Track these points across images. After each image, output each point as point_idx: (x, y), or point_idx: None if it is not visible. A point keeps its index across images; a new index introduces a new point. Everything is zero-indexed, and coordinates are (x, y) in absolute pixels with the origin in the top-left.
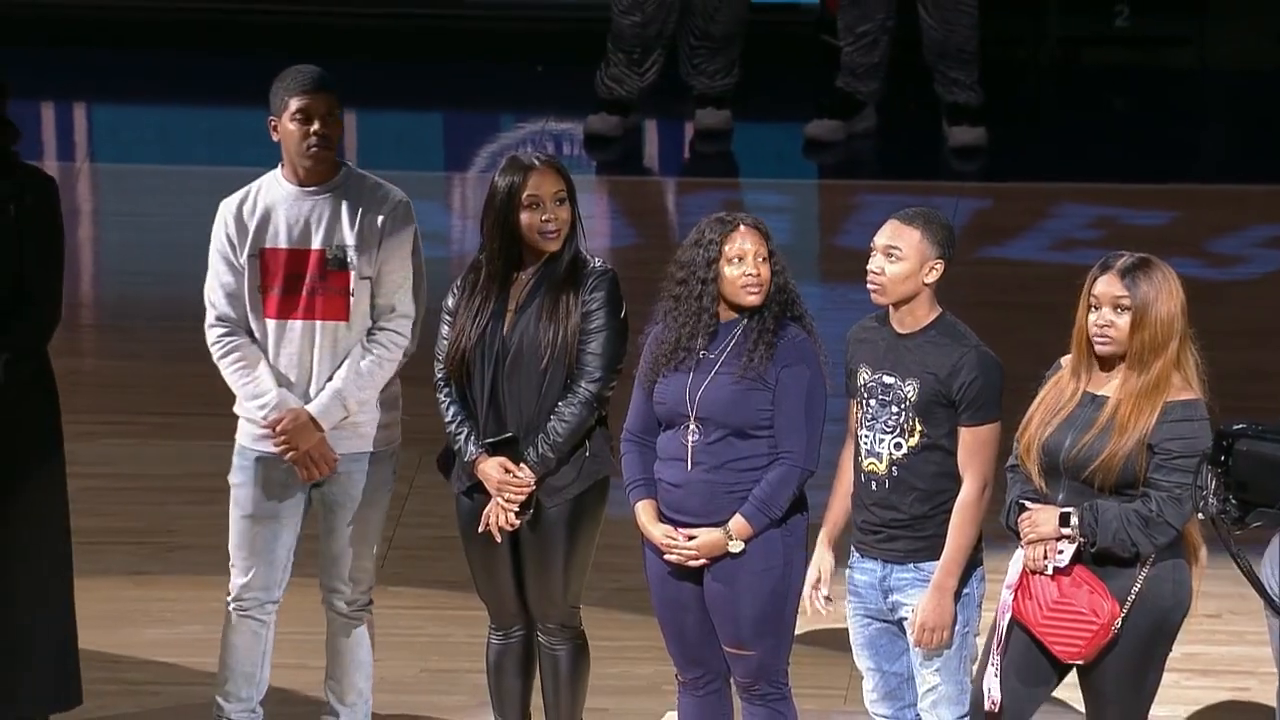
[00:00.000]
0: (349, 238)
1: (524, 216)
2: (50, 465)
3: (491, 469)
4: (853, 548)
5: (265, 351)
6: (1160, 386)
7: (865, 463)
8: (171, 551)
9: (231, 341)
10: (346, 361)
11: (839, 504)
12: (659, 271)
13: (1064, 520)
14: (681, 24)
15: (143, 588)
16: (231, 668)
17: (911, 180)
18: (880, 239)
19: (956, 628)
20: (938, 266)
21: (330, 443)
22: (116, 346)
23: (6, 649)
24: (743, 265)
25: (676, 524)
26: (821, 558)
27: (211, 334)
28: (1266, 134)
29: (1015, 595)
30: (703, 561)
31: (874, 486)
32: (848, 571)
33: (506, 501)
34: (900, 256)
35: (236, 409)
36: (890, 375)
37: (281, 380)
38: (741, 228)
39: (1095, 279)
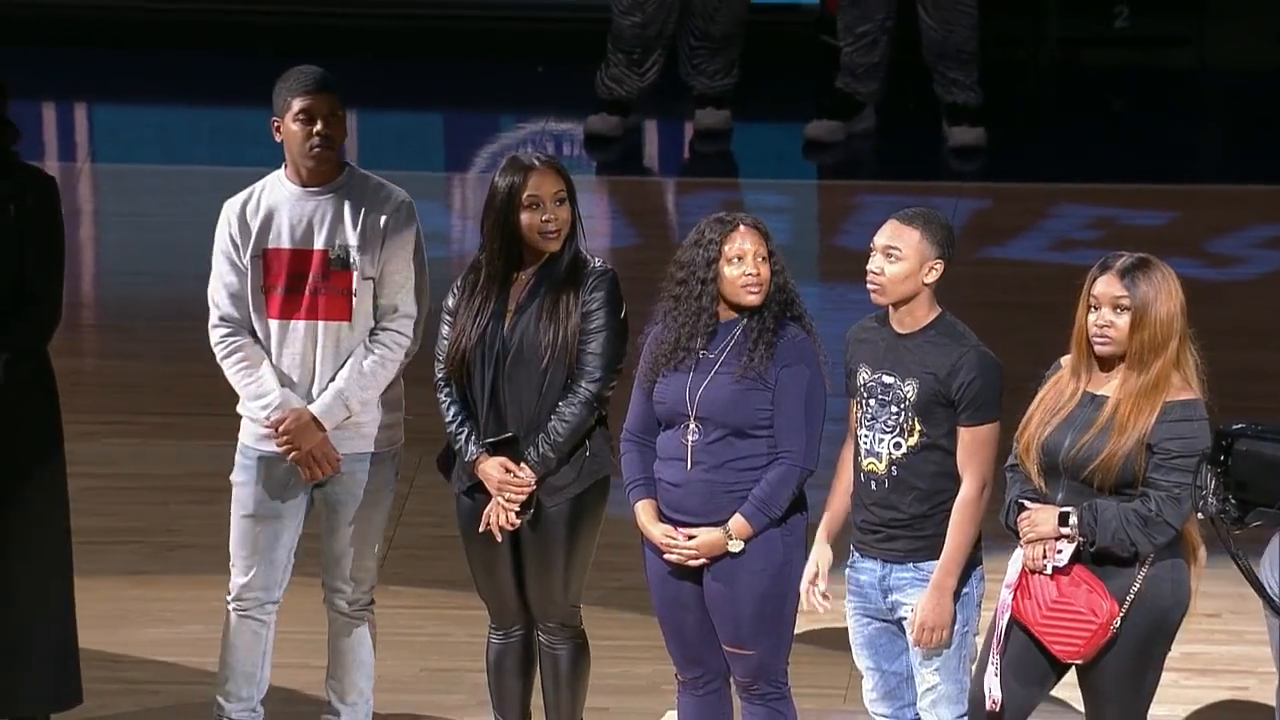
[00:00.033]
0: (351, 238)
1: (524, 217)
2: (50, 465)
3: (492, 469)
4: (852, 547)
5: (268, 352)
6: (1160, 386)
7: (865, 462)
8: (172, 551)
9: (234, 342)
10: (349, 362)
11: (838, 500)
12: (659, 271)
13: (1063, 520)
14: (681, 24)
15: (143, 587)
16: (232, 667)
17: (911, 180)
18: (880, 239)
19: (956, 627)
20: (937, 267)
21: (333, 442)
22: (117, 346)
23: (6, 649)
24: (742, 265)
25: (676, 523)
26: (820, 553)
27: (215, 334)
28: (1265, 134)
29: (1014, 595)
30: (702, 561)
31: (873, 486)
32: (847, 571)
33: (507, 501)
34: (900, 257)
35: (239, 408)
36: (890, 375)
37: (284, 380)
38: (741, 228)
39: (1095, 279)
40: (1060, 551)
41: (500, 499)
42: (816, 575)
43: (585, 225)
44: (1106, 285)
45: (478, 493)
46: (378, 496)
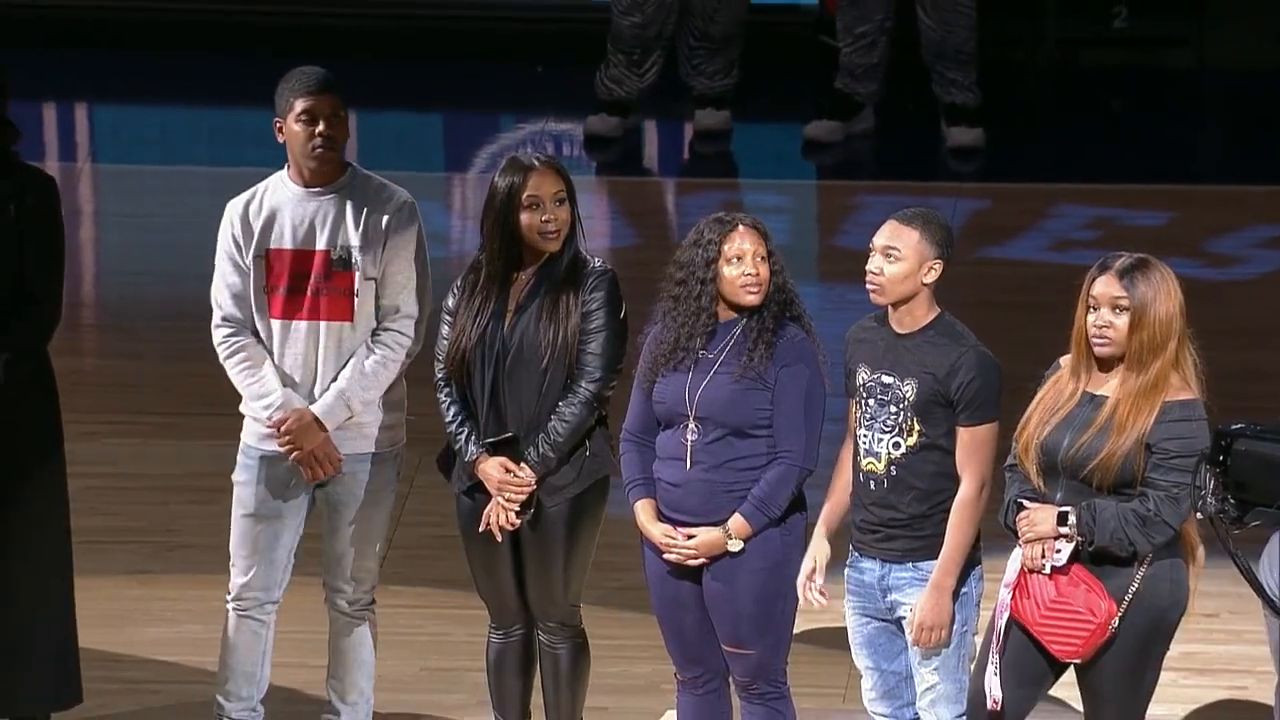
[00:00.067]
0: (354, 238)
1: (524, 217)
2: (50, 465)
3: (492, 469)
4: (851, 547)
5: (270, 352)
6: (1159, 386)
7: (864, 462)
8: (172, 551)
9: (237, 342)
10: (351, 362)
11: (837, 497)
12: (658, 272)
13: (1062, 519)
14: (681, 25)
15: (144, 587)
16: (232, 667)
17: (910, 181)
18: (879, 239)
19: (955, 627)
20: (936, 267)
21: (335, 443)
22: (118, 346)
23: (6, 649)
24: (742, 265)
25: (675, 523)
26: (818, 548)
27: (217, 334)
28: (1264, 134)
29: (1013, 594)
30: (702, 561)
31: (872, 486)
32: (847, 570)
33: (507, 501)
34: (899, 257)
35: (242, 408)
36: (889, 375)
37: (286, 380)
38: (740, 228)
39: (1094, 280)
40: (1059, 551)
41: (500, 499)
42: (814, 570)
43: (585, 225)
44: (1105, 286)
45: (478, 492)
46: (379, 497)
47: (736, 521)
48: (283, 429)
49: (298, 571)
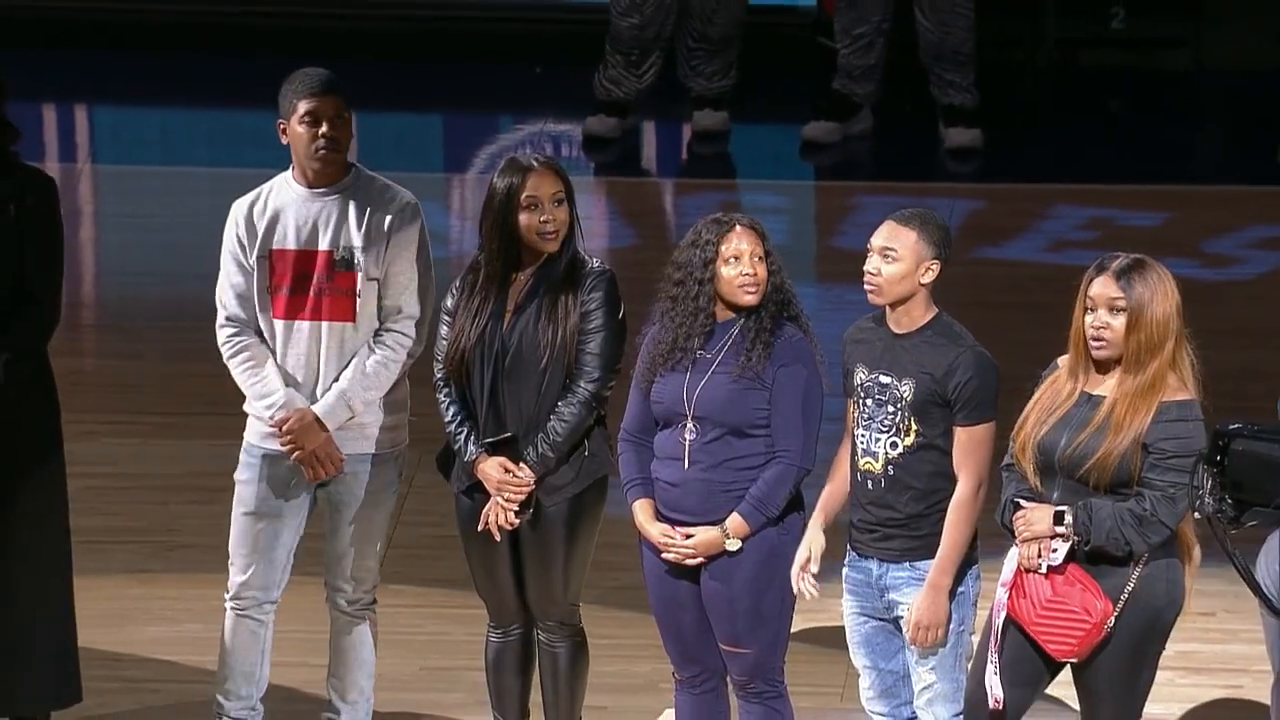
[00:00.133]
0: (356, 239)
1: (522, 217)
2: (50, 465)
3: (491, 469)
4: (849, 546)
5: (273, 352)
6: (1156, 386)
7: (861, 462)
8: (173, 550)
9: (240, 341)
10: (352, 362)
11: (835, 490)
12: (657, 272)
13: (1058, 519)
14: (679, 26)
15: (144, 586)
16: (231, 666)
17: (908, 181)
18: (877, 240)
19: (952, 626)
20: (934, 267)
21: (337, 443)
22: (118, 346)
23: (7, 648)
24: (739, 265)
25: (674, 523)
26: (813, 537)
27: (221, 334)
28: (1261, 135)
29: (1009, 593)
30: (700, 560)
31: (870, 485)
32: (844, 570)
33: (506, 501)
34: (896, 257)
35: (246, 407)
36: (887, 375)
37: (289, 380)
38: (738, 228)
39: (1091, 280)
40: (1055, 550)
41: (499, 499)
42: (809, 560)
43: (583, 226)
44: (1102, 287)
45: (477, 492)
46: (379, 497)
47: (734, 521)
48: (284, 428)
49: (298, 571)
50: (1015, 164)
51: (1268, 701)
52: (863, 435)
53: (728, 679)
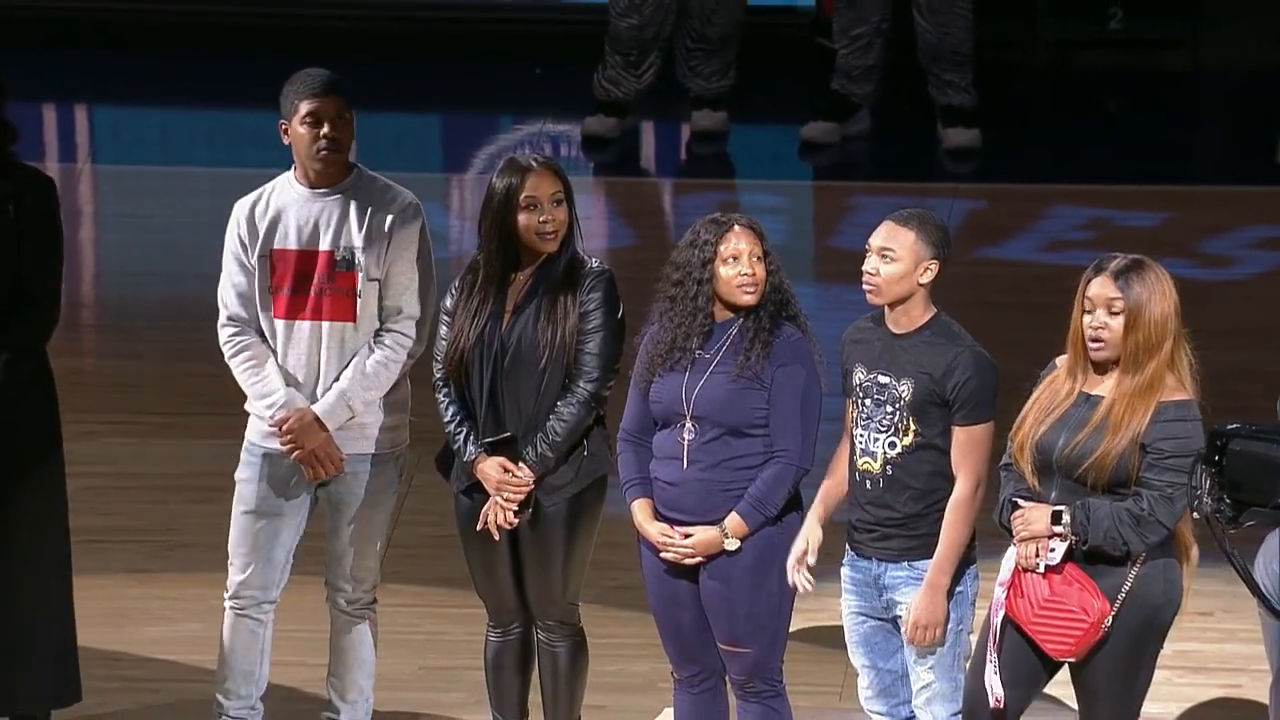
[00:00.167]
0: (357, 239)
1: (522, 217)
2: (49, 465)
3: (490, 468)
4: (847, 546)
5: (274, 351)
6: (1154, 387)
7: (860, 462)
8: (172, 550)
9: (242, 341)
10: (353, 362)
11: (834, 485)
12: (656, 272)
13: (1056, 518)
14: (678, 26)
15: (144, 585)
16: (230, 665)
17: (906, 182)
18: (875, 240)
19: (950, 625)
20: (932, 267)
21: (337, 443)
22: (118, 346)
23: (7, 648)
24: (738, 265)
25: (672, 522)
26: (810, 529)
27: (223, 333)
28: (1259, 135)
29: (1007, 593)
30: (698, 559)
31: (868, 485)
32: (842, 569)
33: (505, 501)
34: (895, 257)
35: (247, 406)
36: (885, 375)
37: (289, 380)
38: (736, 228)
39: (1089, 281)
40: (1053, 550)
41: (498, 498)
42: (805, 552)
43: (582, 226)
44: (1100, 287)
45: (476, 492)
46: (379, 498)
47: (733, 520)
48: (284, 428)
49: (298, 570)
50: (1014, 164)
51: (1266, 701)
52: (861, 435)
53: (726, 678)
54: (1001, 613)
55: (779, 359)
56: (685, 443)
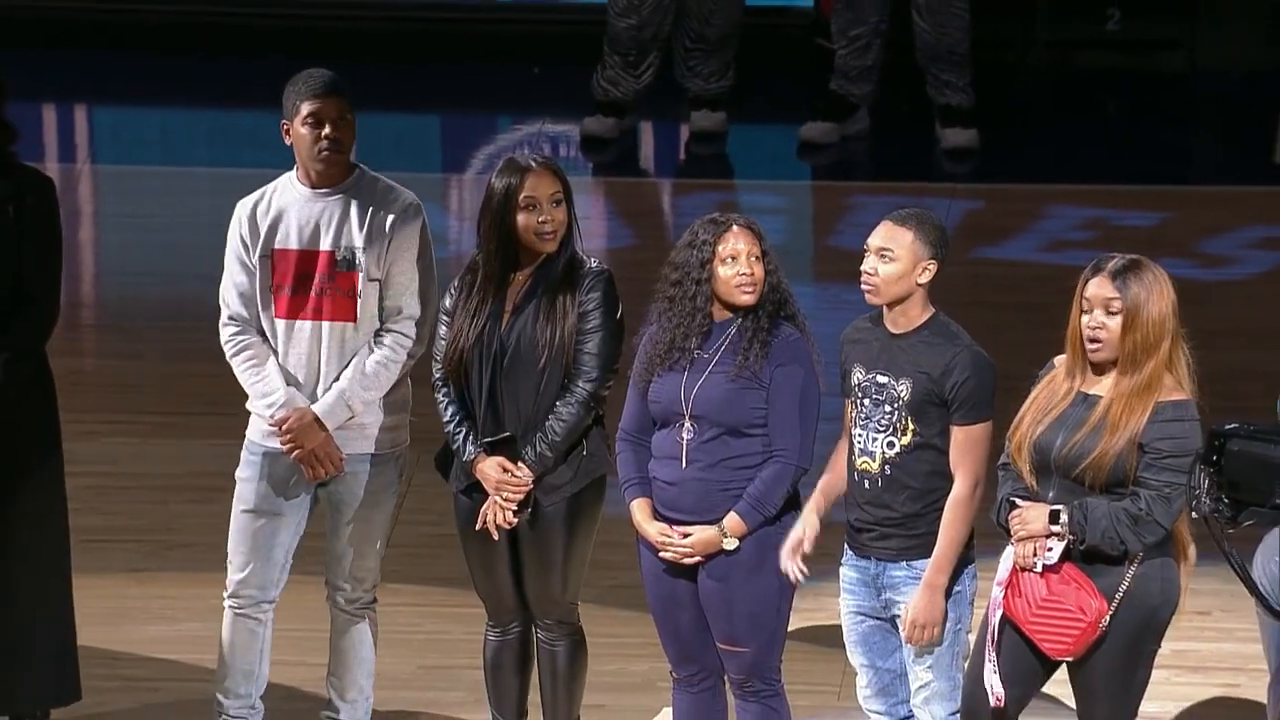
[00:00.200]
0: (358, 239)
1: (521, 218)
2: (49, 465)
3: (490, 468)
4: (845, 545)
5: (275, 351)
6: (1152, 387)
7: (859, 461)
8: (172, 549)
9: (243, 340)
10: (352, 362)
11: (833, 479)
12: (655, 272)
13: (1053, 518)
14: (677, 27)
15: (143, 585)
16: (230, 664)
17: (904, 182)
18: (874, 240)
19: (948, 625)
20: (931, 267)
21: (337, 442)
22: (118, 346)
23: (7, 648)
24: (736, 265)
25: (671, 522)
26: (807, 520)
27: (224, 332)
28: (1256, 136)
29: (1005, 592)
30: (697, 559)
31: (867, 485)
32: (841, 568)
33: (505, 500)
34: (893, 257)
35: (248, 405)
36: (884, 375)
37: (290, 379)
38: (734, 228)
39: (1087, 281)
40: (1050, 549)
41: (498, 498)
42: (800, 541)
43: (581, 226)
44: (1098, 287)
45: (475, 492)
46: (379, 497)
47: (732, 520)
48: (284, 427)
49: (298, 570)
50: (1012, 164)
51: (1264, 700)
52: (860, 435)
53: (725, 678)
54: (999, 612)
55: (777, 359)
56: (684, 442)
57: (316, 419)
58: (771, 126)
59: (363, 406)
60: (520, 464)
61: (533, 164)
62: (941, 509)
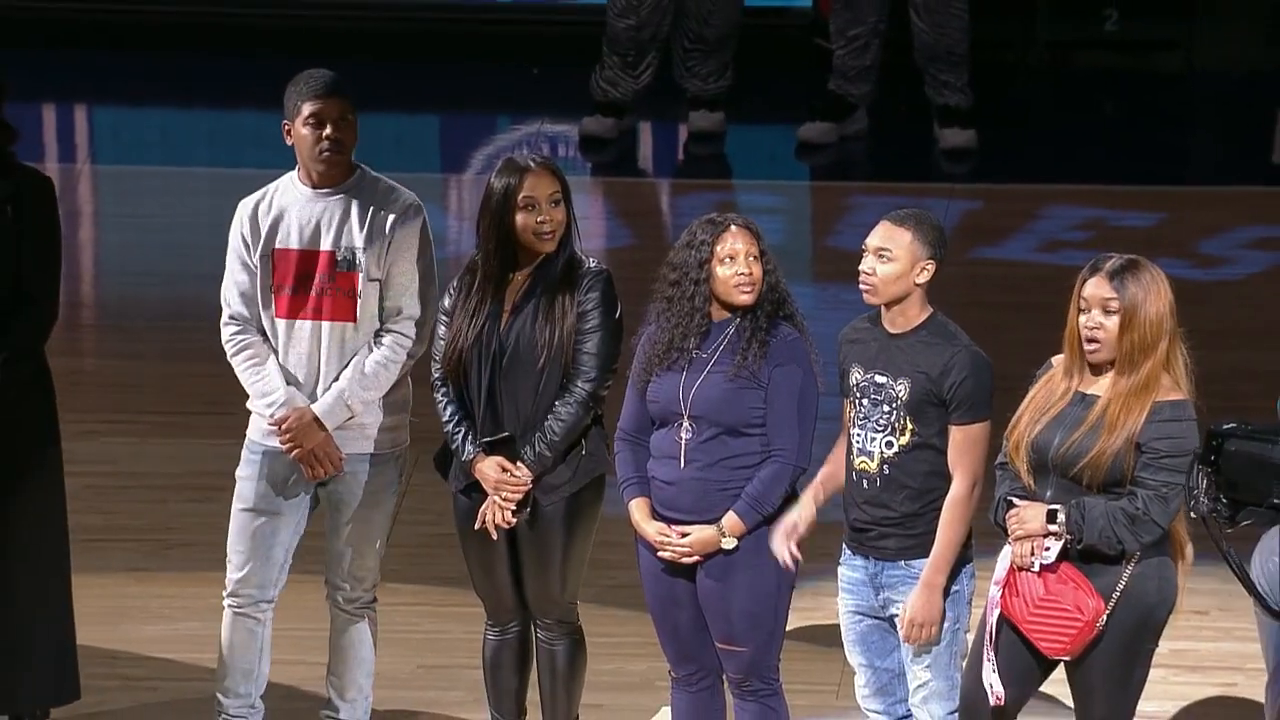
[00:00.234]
0: (358, 239)
1: (520, 218)
2: (48, 465)
3: (489, 468)
4: (844, 545)
5: (275, 351)
6: (1149, 386)
7: (857, 461)
8: (171, 549)
9: (243, 340)
10: (352, 362)
11: (832, 471)
12: (653, 272)
13: (1051, 517)
14: (675, 27)
15: (143, 584)
16: (229, 664)
17: (903, 182)
18: (872, 240)
19: (946, 624)
20: (929, 267)
21: (337, 442)
22: (118, 346)
23: (6, 647)
24: (735, 265)
25: (670, 521)
26: (803, 505)
27: (225, 331)
28: (1254, 136)
29: (1002, 591)
30: (696, 558)
31: (865, 485)
32: (839, 568)
33: (504, 500)
34: (891, 257)
35: (249, 404)
36: (882, 375)
37: (290, 379)
38: (733, 228)
39: (1085, 281)
40: (1048, 549)
41: (497, 498)
42: (795, 525)
43: (580, 226)
44: (1096, 287)
45: (474, 491)
46: (379, 497)
47: (730, 519)
48: (284, 427)
49: (298, 569)
50: (1010, 165)
51: (1261, 699)
52: (858, 434)
53: (724, 677)
54: (997, 611)
55: (776, 358)
56: (683, 442)
57: (316, 419)
58: (770, 127)
59: (362, 406)
60: (519, 464)
61: (532, 164)
62: (940, 509)
